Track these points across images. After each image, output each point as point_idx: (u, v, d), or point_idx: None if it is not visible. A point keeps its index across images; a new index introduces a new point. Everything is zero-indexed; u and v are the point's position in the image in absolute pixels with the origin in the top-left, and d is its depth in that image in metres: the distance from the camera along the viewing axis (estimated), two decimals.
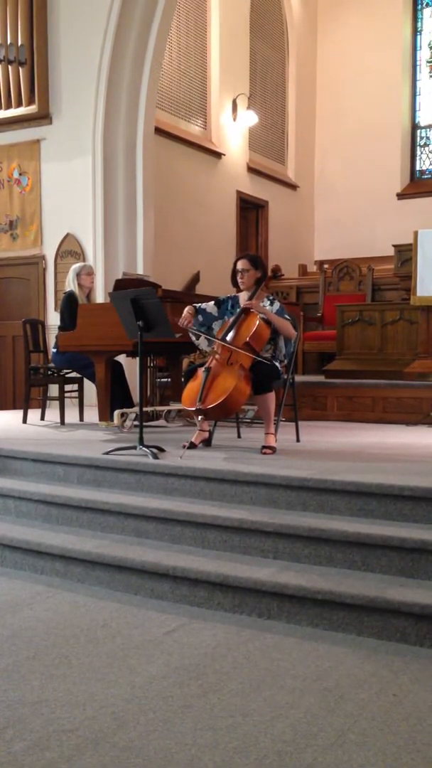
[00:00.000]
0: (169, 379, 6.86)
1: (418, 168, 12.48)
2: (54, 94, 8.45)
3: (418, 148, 12.48)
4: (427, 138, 12.44)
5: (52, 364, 6.46)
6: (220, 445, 4.89)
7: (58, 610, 3.38)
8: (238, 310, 4.82)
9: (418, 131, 12.48)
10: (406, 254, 7.89)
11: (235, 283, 4.93)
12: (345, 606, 3.05)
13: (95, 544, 3.79)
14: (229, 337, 4.67)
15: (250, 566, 3.39)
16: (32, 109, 8.51)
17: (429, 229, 6.71)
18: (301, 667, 2.74)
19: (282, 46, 12.29)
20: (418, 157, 12.48)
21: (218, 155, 10.61)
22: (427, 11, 12.36)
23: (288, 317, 4.83)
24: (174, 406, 6.50)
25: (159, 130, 8.97)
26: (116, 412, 5.73)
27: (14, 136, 8.68)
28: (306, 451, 4.74)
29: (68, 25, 8.30)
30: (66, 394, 6.41)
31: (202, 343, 4.92)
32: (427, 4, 12.35)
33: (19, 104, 8.61)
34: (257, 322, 4.62)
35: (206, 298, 5.22)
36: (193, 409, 4.49)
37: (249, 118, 11.06)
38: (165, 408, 6.57)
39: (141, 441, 4.48)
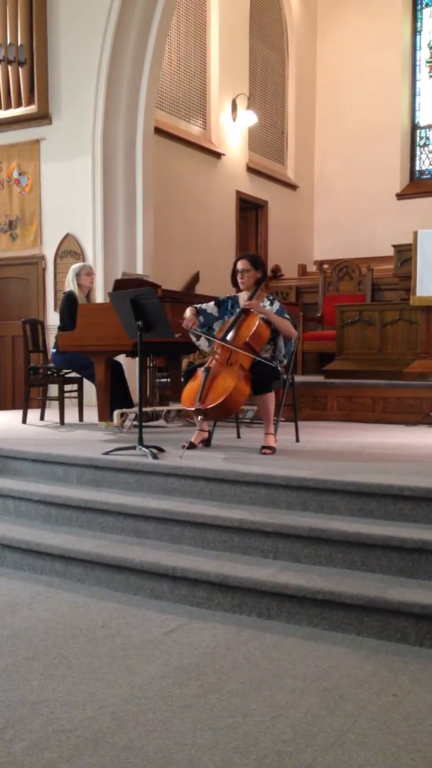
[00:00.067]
0: (169, 379, 6.86)
1: (417, 168, 12.49)
2: (54, 94, 8.45)
3: (417, 148, 12.48)
4: (427, 138, 12.44)
5: (51, 364, 6.46)
6: (220, 446, 4.89)
7: (58, 610, 3.38)
8: (237, 310, 4.82)
9: (418, 131, 12.48)
10: (405, 254, 7.89)
11: (235, 283, 4.93)
12: (345, 606, 3.05)
13: (95, 545, 3.79)
14: (228, 337, 4.66)
15: (249, 566, 3.39)
16: (32, 109, 8.51)
17: (429, 230, 6.72)
18: (301, 667, 2.73)
19: (282, 46, 12.29)
20: (417, 157, 12.48)
21: (218, 155, 10.61)
22: (426, 11, 12.36)
23: (288, 317, 4.83)
24: (173, 406, 6.50)
25: (159, 130, 8.97)
26: (116, 412, 5.73)
27: (14, 136, 8.68)
28: (306, 451, 4.74)
29: (68, 24, 8.30)
30: (65, 394, 6.41)
31: (203, 343, 4.92)
32: (427, 5, 12.35)
33: (18, 104, 8.61)
34: (257, 322, 4.62)
35: (206, 298, 5.22)
36: (193, 409, 4.48)
37: (249, 118, 11.06)
38: (164, 408, 6.57)
39: (140, 441, 4.48)
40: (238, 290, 4.96)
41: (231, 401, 4.42)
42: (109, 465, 4.35)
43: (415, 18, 12.39)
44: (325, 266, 10.72)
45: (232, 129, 10.94)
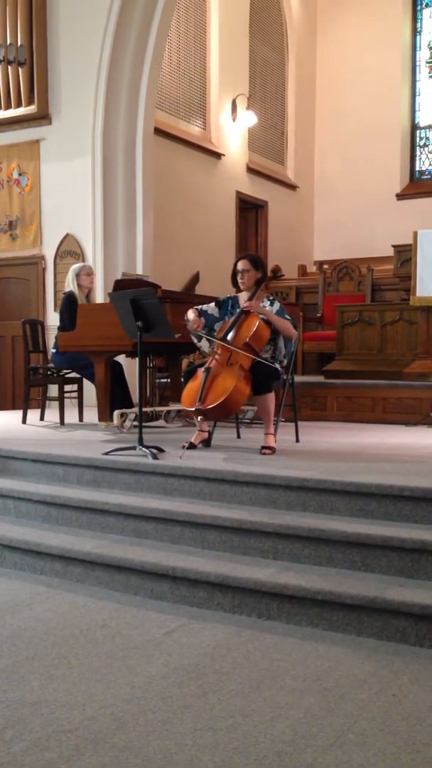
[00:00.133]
0: (169, 380, 6.86)
1: (417, 168, 12.49)
2: (53, 95, 8.45)
3: (417, 148, 12.49)
4: (427, 138, 12.44)
5: (51, 365, 6.46)
6: (220, 446, 4.89)
7: (58, 610, 3.38)
8: (238, 310, 4.82)
9: (418, 131, 12.49)
10: (405, 255, 7.89)
11: (235, 284, 4.93)
12: (345, 606, 3.05)
13: (95, 545, 3.79)
14: (229, 338, 4.66)
15: (249, 566, 3.39)
16: (32, 109, 8.51)
17: (428, 230, 6.72)
18: (300, 667, 2.73)
19: (281, 47, 12.29)
20: (417, 158, 12.49)
21: (218, 155, 10.61)
22: (426, 12, 12.37)
23: (288, 317, 4.83)
24: (173, 407, 6.49)
25: (158, 131, 8.97)
26: (116, 413, 5.73)
27: (14, 136, 8.68)
28: (306, 451, 4.74)
29: (68, 25, 8.30)
30: (65, 395, 6.41)
31: (204, 345, 4.91)
32: (427, 5, 12.35)
33: (18, 104, 8.61)
34: (257, 323, 4.62)
35: (206, 299, 5.22)
36: (193, 409, 4.48)
37: (248, 118, 11.06)
38: (164, 408, 6.57)
39: (140, 441, 4.48)
40: (239, 290, 4.96)
41: (231, 401, 4.42)
42: (109, 465, 4.35)
43: (415, 18, 12.39)
44: (325, 266, 10.72)
45: (232, 129, 10.94)
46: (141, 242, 8.37)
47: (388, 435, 5.62)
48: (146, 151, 8.39)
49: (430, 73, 12.36)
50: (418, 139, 12.49)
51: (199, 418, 4.56)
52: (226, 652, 2.87)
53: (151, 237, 8.50)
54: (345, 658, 2.82)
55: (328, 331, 8.99)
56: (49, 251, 8.59)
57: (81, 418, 6.59)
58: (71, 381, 6.51)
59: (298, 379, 6.31)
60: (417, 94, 12.43)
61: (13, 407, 8.58)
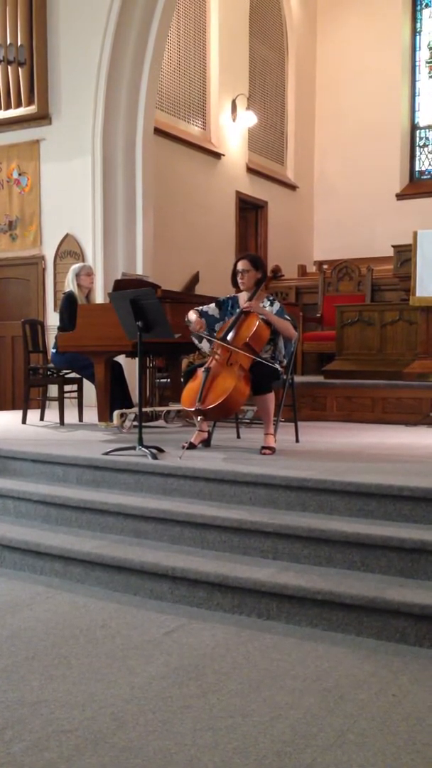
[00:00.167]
0: (169, 380, 6.86)
1: (417, 168, 12.49)
2: (53, 95, 8.45)
3: (417, 148, 12.49)
4: (427, 138, 12.44)
5: (51, 365, 6.46)
6: (220, 446, 4.89)
7: (58, 610, 3.38)
8: (237, 310, 4.82)
9: (418, 132, 12.49)
10: (405, 255, 7.89)
11: (235, 284, 4.93)
12: (344, 606, 3.05)
13: (94, 545, 3.79)
14: (228, 338, 4.66)
15: (249, 567, 3.39)
16: (32, 109, 8.51)
17: (428, 230, 6.72)
18: (300, 667, 2.74)
19: (281, 47, 12.29)
20: (417, 158, 12.49)
21: (218, 156, 10.61)
22: (426, 12, 12.37)
23: (288, 318, 4.83)
24: (173, 407, 6.50)
25: (158, 131, 8.97)
26: (116, 413, 5.73)
27: (14, 136, 8.68)
28: (305, 451, 4.74)
29: (68, 25, 8.30)
30: (65, 395, 6.41)
31: (205, 346, 4.90)
32: (427, 5, 12.36)
33: (18, 104, 8.60)
34: (257, 323, 4.62)
35: (206, 299, 5.22)
36: (193, 409, 4.48)
37: (248, 118, 11.06)
38: (164, 408, 6.57)
39: (140, 441, 4.48)
40: (238, 290, 4.96)
41: (231, 401, 4.42)
42: (108, 465, 4.35)
43: (414, 18, 12.40)
44: (325, 266, 10.72)
45: (232, 129, 10.94)
46: (141, 242, 8.37)
47: (388, 435, 5.62)
48: (146, 151, 8.39)
49: (430, 73, 12.37)
50: (417, 139, 12.49)
51: (198, 418, 4.56)
52: (226, 652, 2.87)
53: (151, 237, 8.50)
54: (345, 658, 2.82)
55: (327, 331, 8.99)
56: (49, 251, 8.59)
57: (81, 419, 6.59)
58: (71, 381, 6.52)
59: (297, 379, 6.31)
60: (417, 94, 12.43)
61: (13, 407, 8.58)
